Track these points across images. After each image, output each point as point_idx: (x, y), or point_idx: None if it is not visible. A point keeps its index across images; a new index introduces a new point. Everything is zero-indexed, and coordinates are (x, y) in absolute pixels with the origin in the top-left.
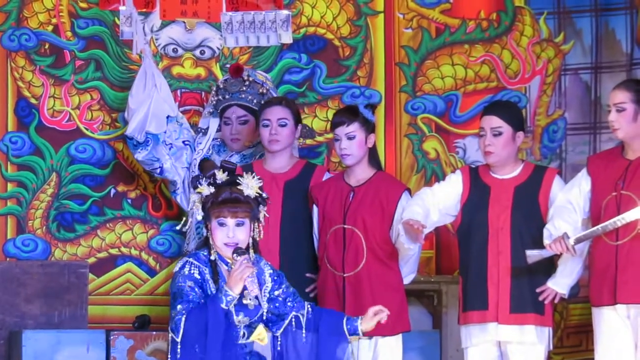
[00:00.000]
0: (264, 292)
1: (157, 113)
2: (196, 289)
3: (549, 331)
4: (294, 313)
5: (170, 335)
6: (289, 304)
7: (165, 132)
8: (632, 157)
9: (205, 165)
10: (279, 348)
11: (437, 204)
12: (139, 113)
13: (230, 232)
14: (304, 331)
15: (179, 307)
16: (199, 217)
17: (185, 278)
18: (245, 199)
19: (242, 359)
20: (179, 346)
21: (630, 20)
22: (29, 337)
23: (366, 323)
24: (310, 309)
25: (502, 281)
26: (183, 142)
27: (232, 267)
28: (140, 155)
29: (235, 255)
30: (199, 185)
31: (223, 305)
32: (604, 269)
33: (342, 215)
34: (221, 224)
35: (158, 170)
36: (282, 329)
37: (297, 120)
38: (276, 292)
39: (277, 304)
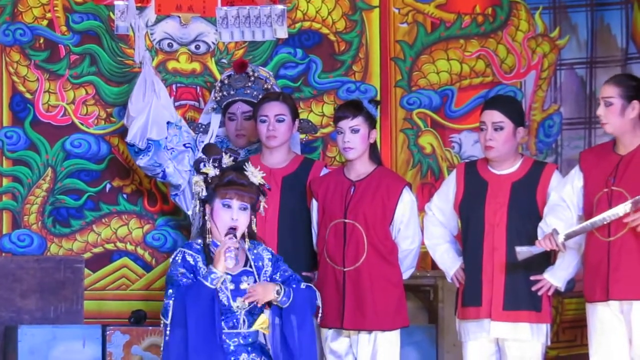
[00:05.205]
0: (264, 277)
1: (157, 119)
2: (188, 275)
3: (546, 327)
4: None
5: (162, 321)
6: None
7: (166, 138)
8: (623, 152)
9: (210, 149)
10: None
11: (442, 220)
12: (138, 120)
13: (234, 214)
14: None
15: (169, 291)
16: (204, 194)
17: (177, 266)
18: (250, 184)
19: (242, 349)
20: (168, 329)
21: (625, 15)
22: (25, 333)
23: None
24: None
25: (496, 278)
26: (184, 145)
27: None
28: (142, 161)
29: (226, 237)
30: (204, 167)
31: (208, 284)
32: (597, 265)
33: (343, 210)
34: (226, 205)
35: (160, 175)
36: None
37: (295, 115)
38: (276, 276)
39: None
